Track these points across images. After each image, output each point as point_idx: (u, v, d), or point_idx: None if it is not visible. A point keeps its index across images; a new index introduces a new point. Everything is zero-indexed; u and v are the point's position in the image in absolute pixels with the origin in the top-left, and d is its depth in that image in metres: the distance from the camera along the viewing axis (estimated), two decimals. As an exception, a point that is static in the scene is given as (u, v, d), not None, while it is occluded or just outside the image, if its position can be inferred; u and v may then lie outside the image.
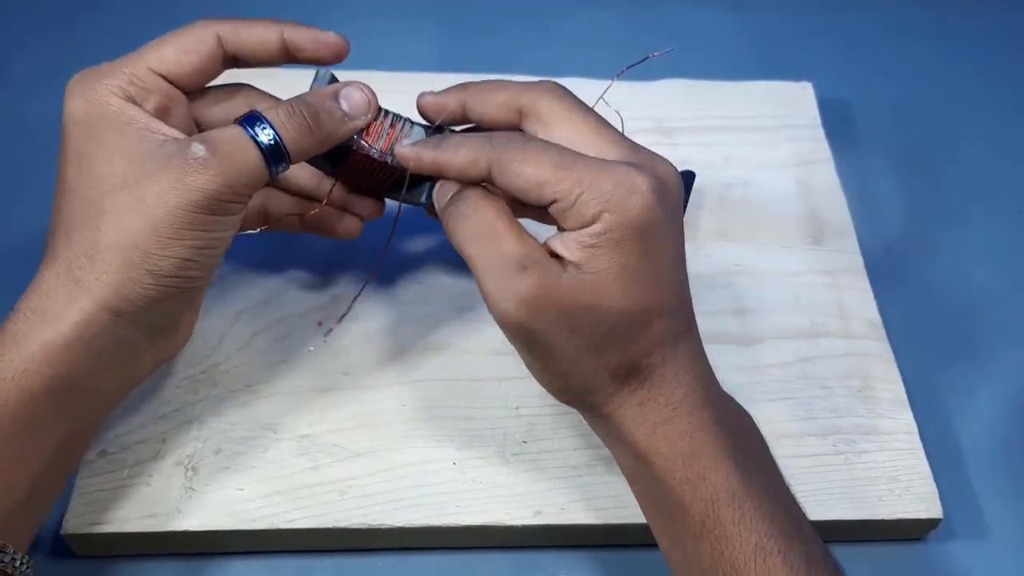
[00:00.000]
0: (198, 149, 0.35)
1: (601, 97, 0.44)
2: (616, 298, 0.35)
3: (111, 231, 0.35)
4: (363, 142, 0.39)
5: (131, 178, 0.35)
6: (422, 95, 0.40)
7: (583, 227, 0.34)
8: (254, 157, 0.36)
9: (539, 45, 0.65)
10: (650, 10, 0.68)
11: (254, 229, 0.42)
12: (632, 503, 0.42)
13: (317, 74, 0.40)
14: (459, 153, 0.37)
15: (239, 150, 0.36)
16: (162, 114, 0.38)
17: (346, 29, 0.65)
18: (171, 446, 0.42)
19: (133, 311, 0.35)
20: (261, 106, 0.38)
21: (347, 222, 0.44)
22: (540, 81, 0.40)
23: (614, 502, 0.42)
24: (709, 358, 0.46)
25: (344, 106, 0.38)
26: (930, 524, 0.44)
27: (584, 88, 0.56)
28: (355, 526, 0.41)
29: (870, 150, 0.60)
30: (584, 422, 0.44)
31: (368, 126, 0.39)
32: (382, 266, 0.49)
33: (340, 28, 0.65)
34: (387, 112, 0.40)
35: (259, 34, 0.39)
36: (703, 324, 0.48)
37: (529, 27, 0.66)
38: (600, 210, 0.34)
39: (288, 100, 0.38)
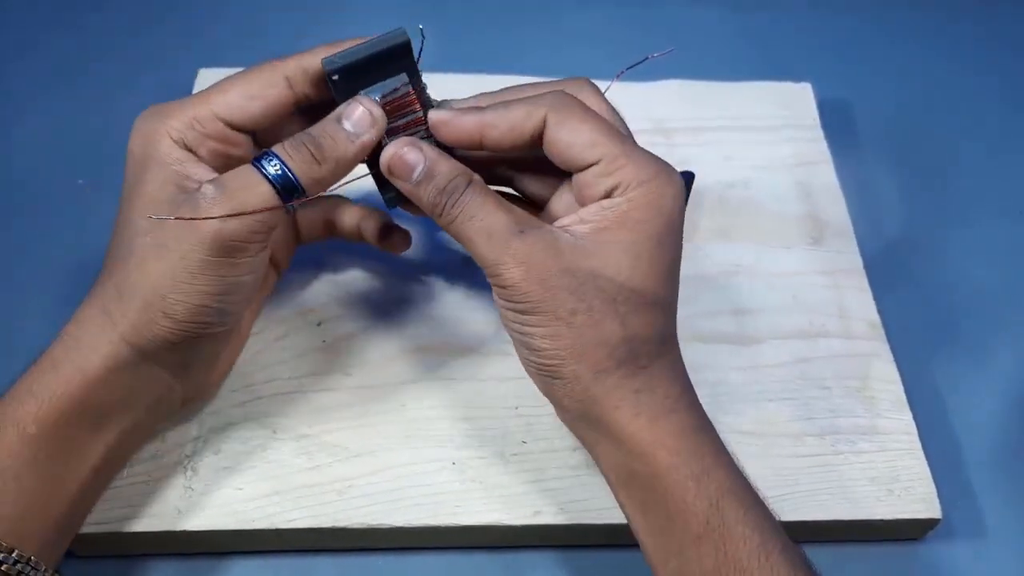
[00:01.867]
0: (207, 189, 0.35)
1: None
2: (622, 270, 0.35)
3: (136, 273, 0.36)
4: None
5: (157, 224, 0.36)
6: (436, 112, 0.39)
7: (611, 196, 0.36)
8: (264, 191, 0.35)
9: (539, 44, 0.65)
10: (649, 10, 0.68)
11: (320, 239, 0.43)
12: (631, 503, 0.42)
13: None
14: (510, 110, 0.37)
15: (248, 185, 0.35)
16: (217, 158, 0.38)
17: (346, 29, 0.65)
18: (170, 446, 0.42)
19: (153, 350, 0.36)
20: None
21: (396, 236, 0.45)
22: (556, 84, 0.39)
23: (613, 502, 0.42)
24: (709, 357, 0.47)
25: (347, 126, 0.37)
26: (929, 524, 0.44)
27: (584, 88, 0.56)
28: (355, 526, 0.41)
29: (870, 150, 0.60)
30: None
31: (391, 103, 0.38)
32: (381, 257, 0.49)
33: (340, 29, 0.65)
34: (419, 95, 0.39)
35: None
36: (703, 324, 0.48)
37: (529, 27, 0.66)
38: (636, 184, 0.35)
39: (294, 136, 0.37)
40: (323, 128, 0.37)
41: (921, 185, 0.59)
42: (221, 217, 0.35)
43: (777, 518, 0.36)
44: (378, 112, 0.37)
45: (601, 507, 0.42)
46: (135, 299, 0.35)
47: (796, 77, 0.60)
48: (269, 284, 0.45)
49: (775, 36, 0.67)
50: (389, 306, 0.48)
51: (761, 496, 0.36)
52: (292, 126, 0.40)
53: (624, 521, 0.41)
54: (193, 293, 0.35)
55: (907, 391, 0.47)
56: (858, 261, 0.52)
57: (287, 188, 0.36)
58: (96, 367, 0.35)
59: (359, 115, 0.37)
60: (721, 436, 0.44)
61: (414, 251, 0.50)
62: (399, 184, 0.38)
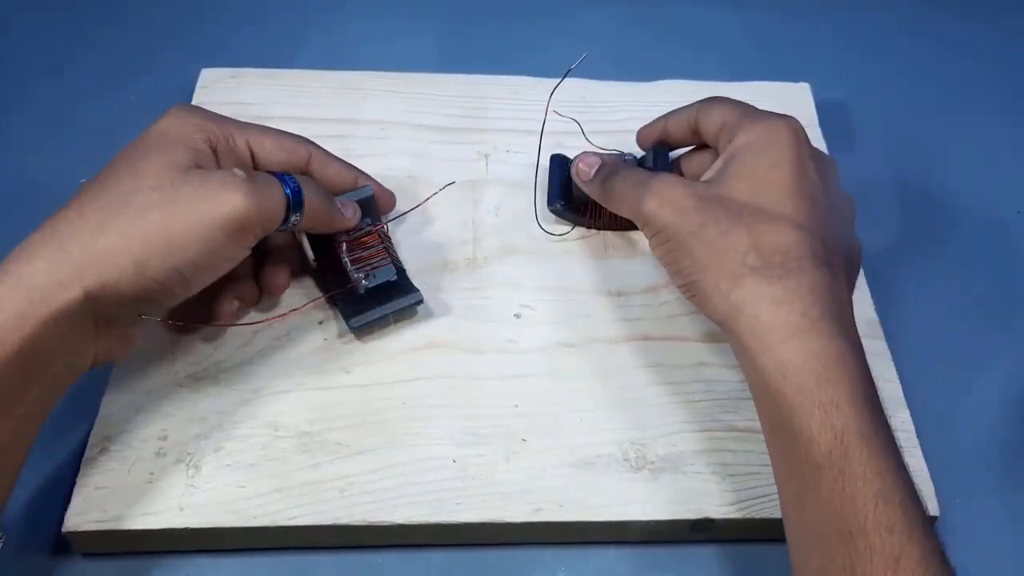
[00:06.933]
0: (238, 171, 0.39)
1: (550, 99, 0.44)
2: (743, 192, 0.40)
3: (127, 218, 0.36)
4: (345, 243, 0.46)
5: (168, 182, 0.38)
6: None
7: (730, 142, 0.43)
8: (280, 195, 0.41)
9: (539, 45, 0.65)
10: (650, 10, 0.68)
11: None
12: (632, 501, 0.42)
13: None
14: (679, 110, 0.48)
15: (271, 186, 0.40)
16: None
17: (348, 30, 0.66)
18: (173, 443, 0.42)
19: (102, 301, 0.36)
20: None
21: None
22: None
23: (613, 499, 0.42)
24: (709, 357, 0.47)
25: (338, 204, 0.45)
26: (928, 522, 0.44)
27: (583, 88, 0.56)
28: (356, 523, 0.41)
29: (868, 151, 0.61)
30: (584, 420, 0.44)
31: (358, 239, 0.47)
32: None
33: (342, 29, 0.66)
34: (379, 234, 0.47)
35: (338, 170, 0.47)
36: (703, 323, 0.48)
37: (529, 27, 0.66)
38: (750, 127, 0.42)
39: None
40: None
41: (919, 185, 0.59)
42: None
43: (916, 487, 0.35)
44: (356, 216, 0.46)
45: (600, 504, 0.42)
46: (112, 245, 0.36)
47: (795, 77, 0.61)
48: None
49: (774, 36, 0.68)
50: (390, 305, 0.48)
51: (901, 453, 0.36)
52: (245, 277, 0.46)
53: (623, 518, 0.42)
54: (178, 256, 0.37)
55: (905, 390, 0.47)
56: (857, 260, 0.52)
57: (295, 203, 0.41)
58: (42, 317, 0.34)
59: (350, 209, 0.46)
60: (721, 434, 0.44)
61: (414, 251, 0.50)
62: (580, 183, 0.48)
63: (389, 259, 0.47)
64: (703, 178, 0.43)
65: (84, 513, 0.40)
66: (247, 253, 0.41)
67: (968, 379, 0.50)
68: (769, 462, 0.43)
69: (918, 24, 0.69)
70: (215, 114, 0.43)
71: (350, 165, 0.48)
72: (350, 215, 0.46)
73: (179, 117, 0.41)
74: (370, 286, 0.46)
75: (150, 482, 0.41)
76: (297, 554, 0.42)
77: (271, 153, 0.44)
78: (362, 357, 0.46)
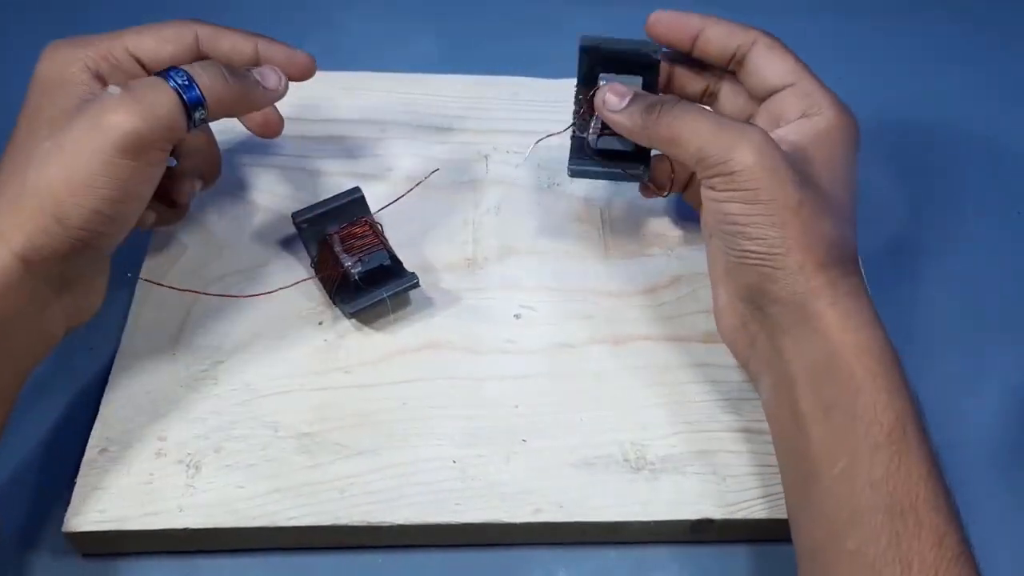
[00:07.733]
0: (112, 89, 0.37)
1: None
2: (825, 181, 0.40)
3: (31, 178, 0.36)
4: (337, 235, 0.47)
5: (57, 128, 0.37)
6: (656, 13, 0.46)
7: (808, 116, 0.42)
8: (168, 95, 0.37)
9: (539, 46, 0.65)
10: (650, 11, 0.68)
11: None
12: (631, 501, 0.42)
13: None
14: (730, 22, 0.44)
15: (154, 90, 0.37)
16: None
17: (349, 31, 0.66)
18: (172, 444, 0.42)
19: (42, 263, 0.36)
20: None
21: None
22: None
23: (614, 500, 0.42)
24: (709, 357, 0.47)
25: (256, 76, 0.42)
26: (928, 522, 0.44)
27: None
28: (355, 524, 0.41)
29: (868, 150, 0.60)
30: (584, 420, 0.44)
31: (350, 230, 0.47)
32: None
33: (343, 31, 0.66)
34: (371, 224, 0.47)
35: (234, 41, 0.43)
36: (703, 323, 0.48)
37: (529, 28, 0.66)
38: (830, 106, 0.42)
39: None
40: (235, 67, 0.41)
41: (920, 185, 0.59)
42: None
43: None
44: (282, 84, 0.42)
45: (600, 505, 0.42)
46: (28, 206, 0.36)
47: (795, 78, 0.61)
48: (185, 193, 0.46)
49: (774, 37, 0.67)
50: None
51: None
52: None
53: (623, 519, 0.42)
54: (90, 197, 0.36)
55: (905, 390, 0.47)
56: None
57: (192, 99, 0.38)
58: None
59: (272, 78, 0.42)
60: (721, 434, 0.44)
61: (413, 251, 0.50)
62: (607, 115, 0.43)
63: (382, 245, 0.47)
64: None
65: (84, 513, 0.40)
66: (163, 168, 0.39)
67: (968, 379, 0.50)
68: (768, 462, 0.43)
69: (918, 25, 0.69)
70: (87, 37, 0.41)
71: (248, 33, 0.43)
72: (273, 84, 0.42)
73: (53, 58, 0.39)
74: (364, 271, 0.46)
75: (150, 482, 0.41)
76: (297, 555, 0.42)
77: (155, 51, 0.41)
78: (362, 357, 0.46)
